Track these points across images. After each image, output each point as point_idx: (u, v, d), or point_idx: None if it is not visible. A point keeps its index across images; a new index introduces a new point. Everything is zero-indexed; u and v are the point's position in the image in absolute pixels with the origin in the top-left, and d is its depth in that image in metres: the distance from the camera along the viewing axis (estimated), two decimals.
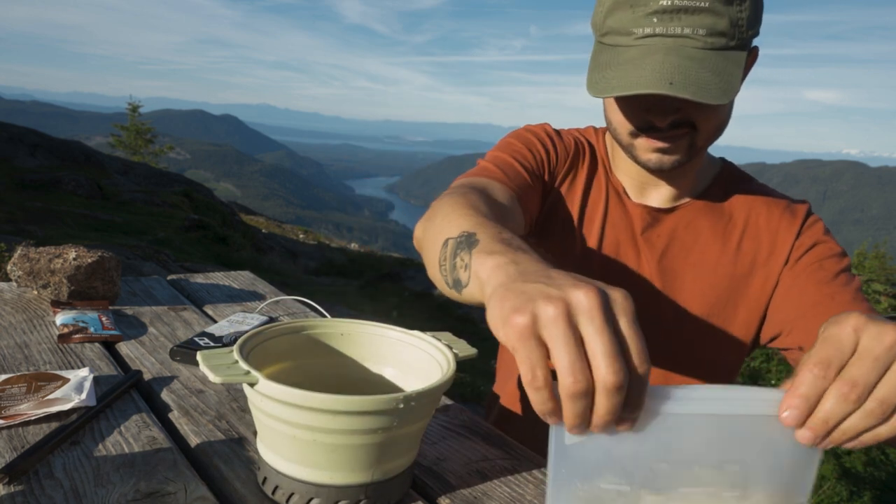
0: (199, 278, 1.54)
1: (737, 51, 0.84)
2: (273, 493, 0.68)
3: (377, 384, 0.81)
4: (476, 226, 0.69)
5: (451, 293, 0.73)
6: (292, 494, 0.67)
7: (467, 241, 0.67)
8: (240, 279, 1.56)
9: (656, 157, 0.93)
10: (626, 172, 1.06)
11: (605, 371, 0.45)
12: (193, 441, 0.80)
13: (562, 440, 0.50)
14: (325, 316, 1.27)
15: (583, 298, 0.47)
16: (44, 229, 7.70)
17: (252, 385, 0.63)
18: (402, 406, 0.63)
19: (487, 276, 0.58)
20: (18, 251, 1.27)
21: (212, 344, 1.06)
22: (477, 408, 4.26)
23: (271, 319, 1.24)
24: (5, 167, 11.45)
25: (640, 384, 0.47)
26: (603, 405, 0.46)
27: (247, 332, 0.94)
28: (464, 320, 8.09)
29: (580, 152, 1.09)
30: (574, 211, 1.07)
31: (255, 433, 0.81)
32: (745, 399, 0.51)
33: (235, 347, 0.68)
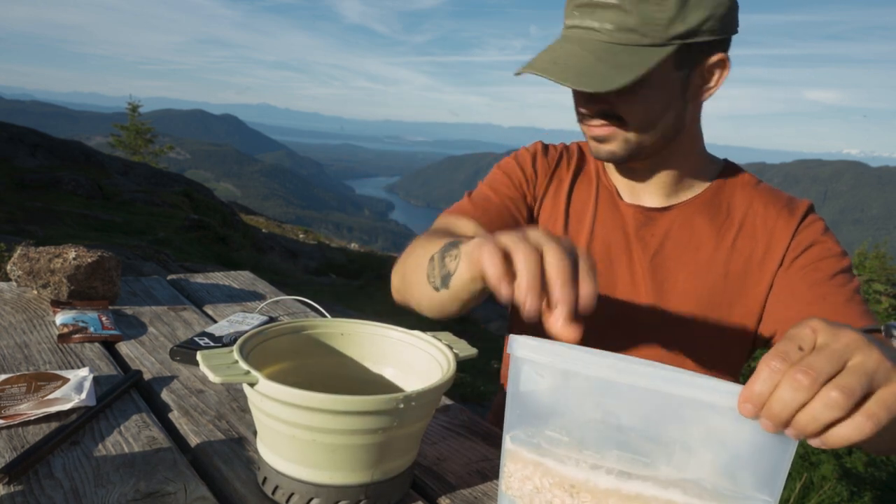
0: (199, 278, 1.54)
1: (651, 48, 0.86)
2: (273, 493, 0.68)
3: (377, 384, 0.81)
4: (455, 238, 0.80)
5: (439, 297, 0.79)
6: (292, 494, 0.67)
7: (452, 245, 0.77)
8: (240, 279, 1.56)
9: (594, 146, 0.98)
10: (616, 174, 1.08)
11: (551, 251, 0.57)
12: (193, 441, 0.80)
13: (517, 387, 0.59)
14: (325, 316, 1.27)
15: (531, 230, 0.61)
16: (44, 229, 7.71)
17: (252, 385, 0.63)
18: (402, 406, 0.63)
19: (472, 248, 0.69)
20: (18, 251, 1.27)
21: (212, 344, 1.06)
22: (477, 408, 4.26)
23: (271, 319, 1.24)
24: (5, 167, 11.45)
25: (584, 261, 0.58)
26: (554, 263, 0.57)
27: (247, 332, 0.94)
28: (464, 321, 8.09)
29: (563, 160, 1.13)
30: (558, 214, 1.09)
31: (255, 433, 0.81)
32: (690, 383, 0.52)
33: (235, 347, 0.68)
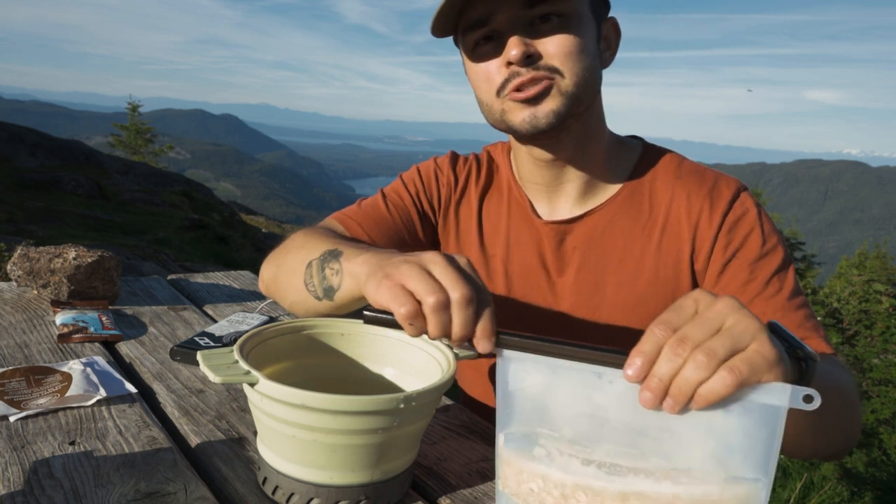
0: (199, 278, 1.54)
1: None
2: (273, 493, 0.68)
3: (377, 384, 0.81)
4: (335, 244, 0.81)
5: (319, 306, 0.82)
6: (292, 494, 0.67)
7: (332, 255, 0.79)
8: (240, 279, 1.56)
9: (528, 114, 0.86)
10: (531, 180, 0.99)
11: (454, 290, 0.59)
12: (193, 441, 0.80)
13: (506, 386, 0.60)
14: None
15: (430, 255, 0.63)
16: (44, 229, 7.71)
17: (252, 385, 0.63)
18: (402, 406, 0.63)
19: (359, 268, 0.72)
20: (18, 251, 1.27)
21: (212, 344, 1.06)
22: None
23: (271, 319, 1.24)
24: (5, 167, 11.45)
25: (484, 301, 0.60)
26: (457, 317, 0.59)
27: (247, 332, 0.94)
28: None
29: (472, 174, 1.06)
30: (471, 233, 1.04)
31: (255, 433, 0.81)
32: None
33: (235, 347, 0.68)
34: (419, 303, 0.60)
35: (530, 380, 0.59)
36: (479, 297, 0.60)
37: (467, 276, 0.61)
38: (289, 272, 0.88)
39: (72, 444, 0.76)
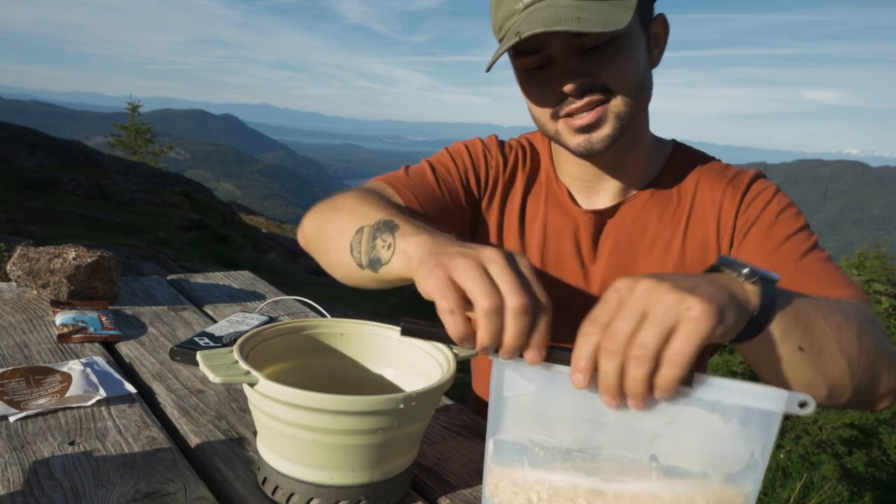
0: (199, 278, 1.54)
1: (619, 0, 0.83)
2: (273, 493, 0.68)
3: (377, 384, 0.81)
4: (391, 214, 0.77)
5: (359, 275, 0.79)
6: (292, 495, 0.67)
7: (387, 226, 0.75)
8: (240, 279, 1.56)
9: (583, 139, 0.89)
10: (570, 174, 1.02)
11: (511, 296, 0.55)
12: (193, 441, 0.80)
13: (500, 392, 0.59)
14: (325, 316, 1.27)
15: (490, 253, 0.59)
16: (44, 229, 7.70)
17: (252, 385, 0.63)
18: (402, 406, 0.63)
19: (413, 249, 0.68)
20: (18, 251, 1.27)
21: (212, 344, 1.06)
22: None
23: (271, 319, 1.24)
24: (5, 167, 11.45)
25: (542, 311, 0.56)
26: (512, 326, 0.55)
27: (247, 332, 0.94)
28: None
29: (519, 161, 1.06)
30: (512, 223, 1.05)
31: (255, 433, 0.81)
32: None
33: (235, 347, 0.68)
34: (468, 303, 0.56)
35: (528, 386, 0.58)
36: (536, 305, 0.56)
37: (525, 282, 0.57)
38: (335, 231, 0.84)
39: (71, 444, 0.76)
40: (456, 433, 0.89)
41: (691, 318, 0.52)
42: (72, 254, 1.24)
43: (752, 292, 0.59)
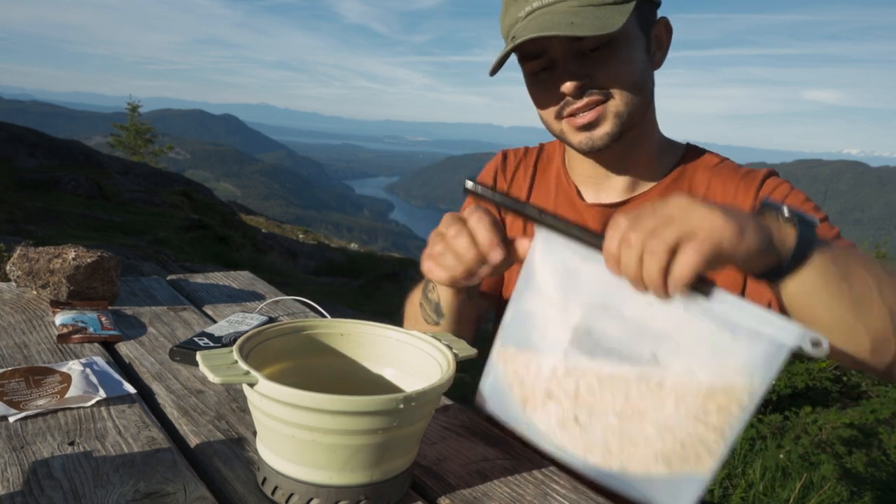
0: (199, 278, 1.54)
1: (616, 5, 0.88)
2: (273, 493, 0.68)
3: (377, 384, 0.81)
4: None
5: (432, 318, 0.97)
6: (292, 495, 0.67)
7: (426, 281, 0.94)
8: (239, 279, 1.56)
9: (585, 137, 0.95)
10: (580, 172, 1.07)
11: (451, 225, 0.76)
12: (193, 441, 0.80)
13: (533, 257, 0.69)
14: (325, 316, 1.27)
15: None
16: (43, 229, 7.70)
17: (252, 385, 0.63)
18: (402, 406, 0.63)
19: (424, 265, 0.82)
20: (18, 251, 1.27)
21: (211, 344, 1.06)
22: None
23: (271, 319, 1.24)
24: (5, 167, 11.45)
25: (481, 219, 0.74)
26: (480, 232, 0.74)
27: (246, 332, 0.94)
28: None
29: (521, 167, 1.14)
30: (518, 222, 1.10)
31: (255, 433, 0.81)
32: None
33: (235, 347, 0.68)
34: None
35: (562, 257, 0.66)
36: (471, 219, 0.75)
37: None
38: (413, 320, 1.02)
39: (71, 444, 0.76)
40: (456, 433, 0.89)
41: (712, 226, 0.58)
42: (71, 254, 1.24)
43: (789, 234, 0.63)
